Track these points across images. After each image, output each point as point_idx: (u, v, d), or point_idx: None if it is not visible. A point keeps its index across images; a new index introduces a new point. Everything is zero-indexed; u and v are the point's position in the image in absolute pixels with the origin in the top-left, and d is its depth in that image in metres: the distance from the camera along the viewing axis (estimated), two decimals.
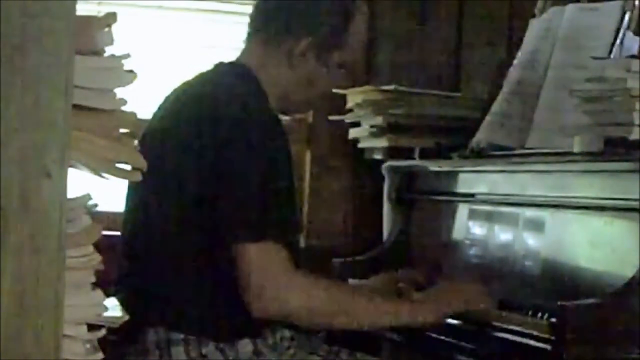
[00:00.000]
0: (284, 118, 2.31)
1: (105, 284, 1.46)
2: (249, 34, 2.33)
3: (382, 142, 3.10)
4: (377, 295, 2.32)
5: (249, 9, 2.38)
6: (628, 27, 2.58)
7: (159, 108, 2.29)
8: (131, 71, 1.40)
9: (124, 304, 2.11)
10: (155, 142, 2.17)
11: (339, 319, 2.15)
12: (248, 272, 2.04)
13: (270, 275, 2.04)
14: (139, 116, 1.45)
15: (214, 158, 2.07)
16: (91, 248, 1.39)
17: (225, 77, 2.25)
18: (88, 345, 1.38)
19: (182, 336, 2.08)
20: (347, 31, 2.29)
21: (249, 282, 2.04)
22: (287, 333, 2.19)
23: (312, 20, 2.25)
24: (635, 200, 2.12)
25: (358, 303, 2.18)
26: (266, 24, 2.28)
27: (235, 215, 2.06)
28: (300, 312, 2.08)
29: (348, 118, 3.22)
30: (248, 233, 2.04)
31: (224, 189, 2.06)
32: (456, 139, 2.96)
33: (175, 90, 2.29)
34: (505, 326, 2.20)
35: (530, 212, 2.46)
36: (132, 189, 2.22)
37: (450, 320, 2.34)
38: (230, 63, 2.31)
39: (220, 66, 2.30)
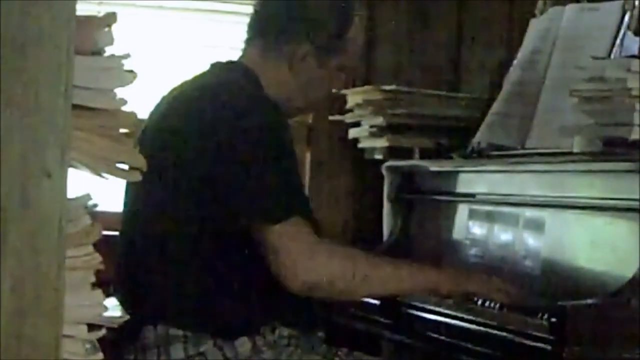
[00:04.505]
0: None
1: (105, 284, 1.46)
2: (248, 39, 2.33)
3: (382, 142, 3.10)
4: (402, 262, 2.33)
5: (249, 9, 2.38)
6: (628, 27, 2.58)
7: (156, 107, 2.29)
8: (131, 71, 1.40)
9: (123, 303, 2.13)
10: (153, 140, 2.17)
11: (366, 285, 2.17)
12: (276, 252, 2.06)
13: (298, 249, 2.07)
14: (139, 116, 1.45)
15: (218, 148, 2.08)
16: (91, 248, 1.38)
17: (222, 72, 2.27)
18: (88, 345, 1.38)
19: (181, 333, 2.08)
20: (347, 36, 2.31)
21: (280, 261, 2.06)
22: (285, 331, 2.19)
23: (312, 25, 2.27)
24: (635, 200, 2.11)
25: (385, 268, 2.22)
26: (267, 29, 2.29)
27: (250, 200, 2.08)
28: (331, 279, 2.11)
29: (348, 118, 3.22)
30: (269, 215, 2.07)
31: (233, 179, 2.07)
32: (456, 139, 2.96)
33: (172, 90, 2.30)
34: (505, 326, 2.20)
35: (530, 212, 2.46)
36: (131, 187, 2.22)
37: (449, 321, 2.34)
38: (227, 61, 2.32)
39: (217, 65, 2.31)
